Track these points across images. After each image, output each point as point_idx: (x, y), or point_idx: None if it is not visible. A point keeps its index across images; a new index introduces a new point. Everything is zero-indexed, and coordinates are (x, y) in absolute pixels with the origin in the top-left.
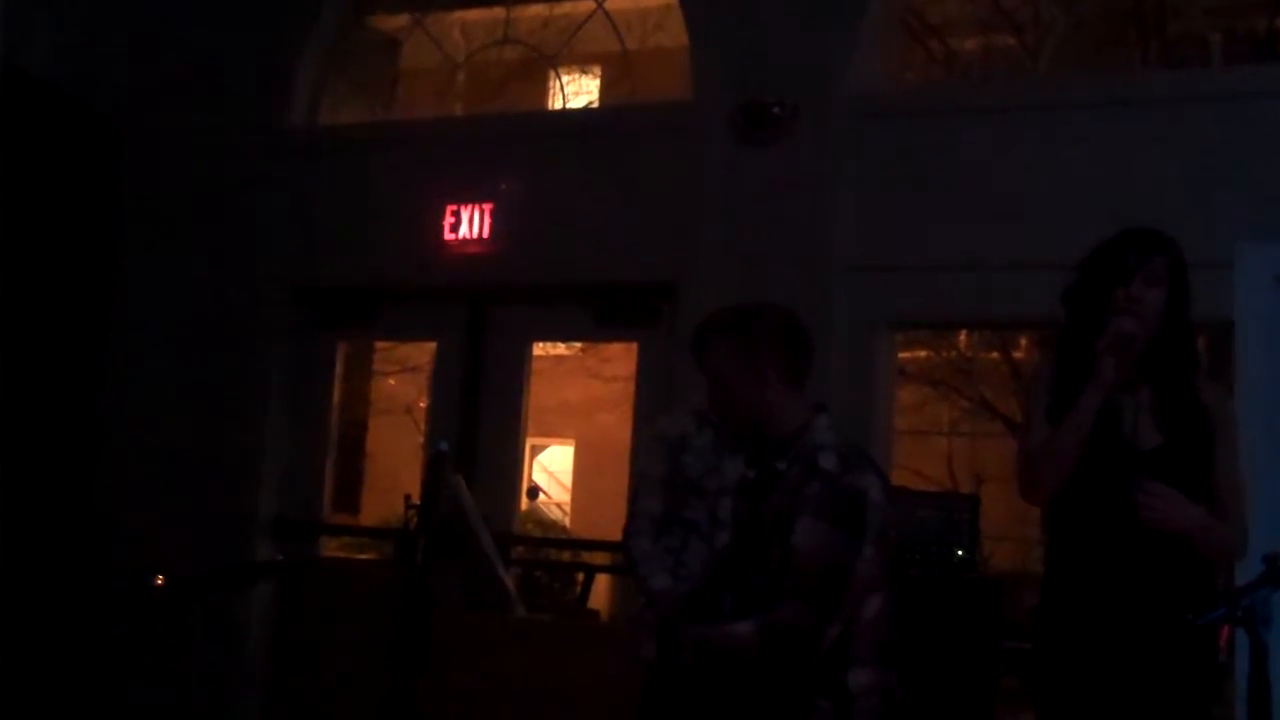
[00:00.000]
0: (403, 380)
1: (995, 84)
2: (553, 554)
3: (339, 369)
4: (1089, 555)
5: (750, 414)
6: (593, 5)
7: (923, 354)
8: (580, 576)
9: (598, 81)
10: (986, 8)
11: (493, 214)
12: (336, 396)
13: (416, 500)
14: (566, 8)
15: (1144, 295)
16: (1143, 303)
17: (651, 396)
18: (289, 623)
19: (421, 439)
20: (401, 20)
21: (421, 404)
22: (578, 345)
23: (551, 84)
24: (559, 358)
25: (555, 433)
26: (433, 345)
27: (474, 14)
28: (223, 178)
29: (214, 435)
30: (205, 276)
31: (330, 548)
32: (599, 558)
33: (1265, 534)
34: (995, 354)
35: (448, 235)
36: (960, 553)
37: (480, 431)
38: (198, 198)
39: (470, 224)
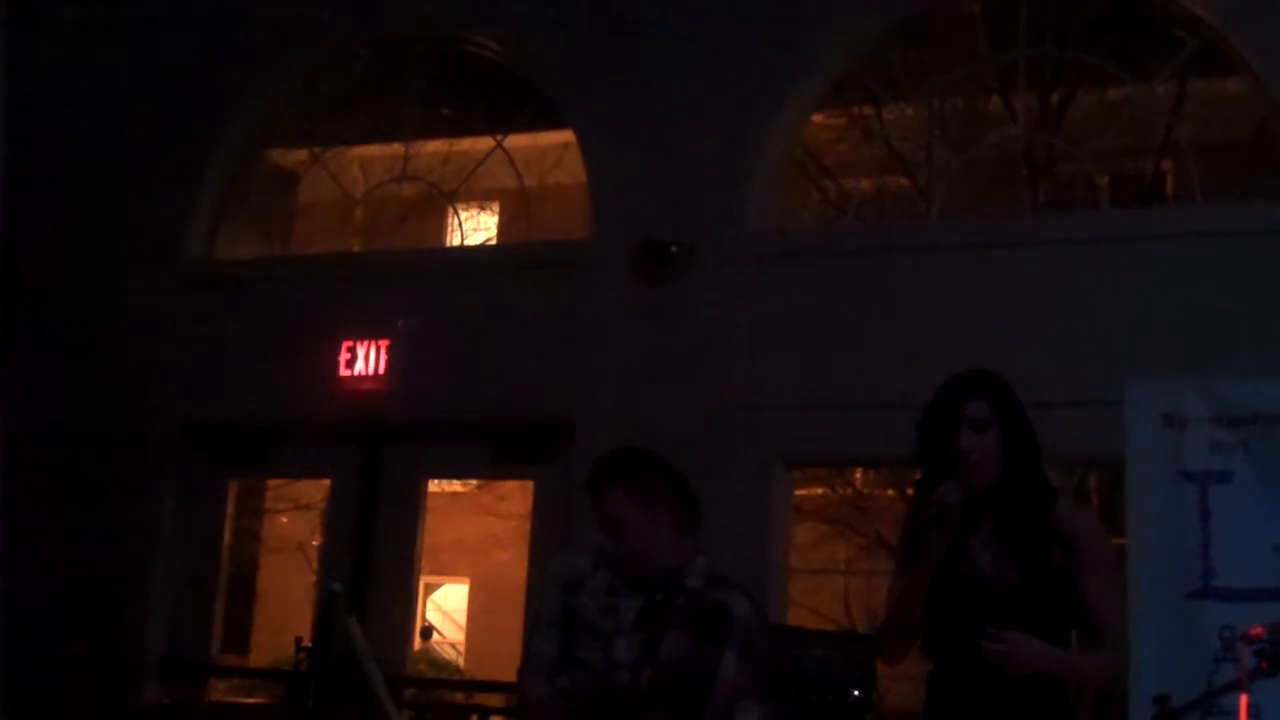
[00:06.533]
0: (295, 518)
1: (888, 225)
2: (446, 695)
3: (230, 508)
4: (953, 696)
5: (642, 553)
6: (492, 142)
7: (819, 491)
8: (474, 718)
9: (496, 218)
10: (880, 150)
11: (389, 350)
12: (227, 535)
13: (308, 641)
14: (465, 144)
15: (973, 445)
16: (974, 452)
17: (548, 534)
18: None
19: (314, 577)
20: (300, 155)
21: (314, 542)
22: (473, 482)
23: (450, 220)
24: (454, 494)
25: (450, 571)
26: (326, 482)
27: (372, 150)
28: (116, 310)
29: (102, 574)
30: (95, 411)
31: (219, 689)
32: (493, 699)
33: (1156, 673)
34: (891, 491)
35: (343, 371)
36: (856, 693)
37: (374, 570)
38: (89, 330)
39: (366, 360)
